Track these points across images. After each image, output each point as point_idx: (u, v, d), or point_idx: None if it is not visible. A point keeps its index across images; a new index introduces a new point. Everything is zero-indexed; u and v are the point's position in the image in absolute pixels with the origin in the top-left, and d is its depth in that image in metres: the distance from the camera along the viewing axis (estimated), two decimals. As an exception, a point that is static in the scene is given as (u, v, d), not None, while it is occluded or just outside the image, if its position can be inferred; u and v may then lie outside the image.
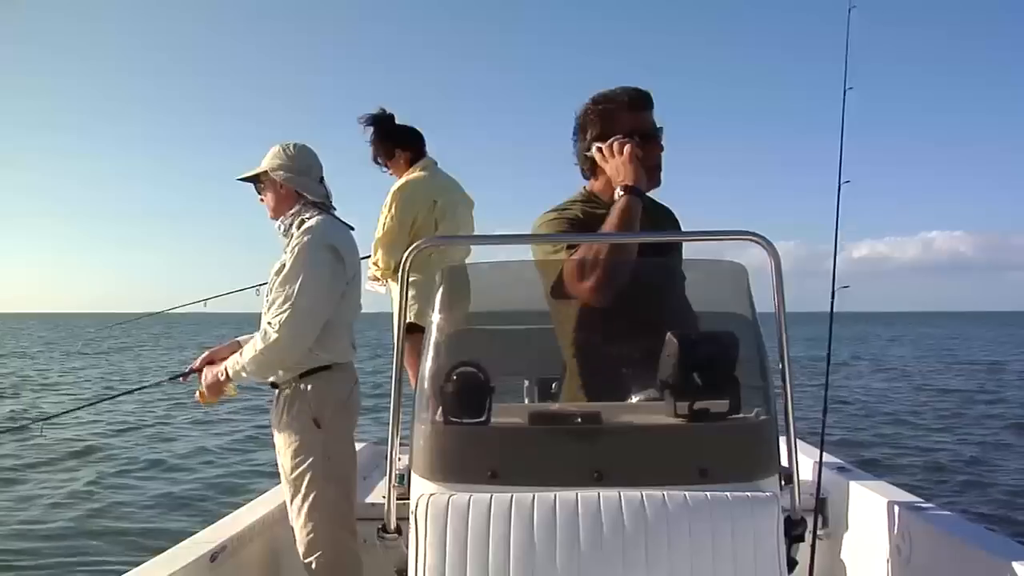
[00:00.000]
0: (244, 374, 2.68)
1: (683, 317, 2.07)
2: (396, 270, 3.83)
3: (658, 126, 2.22)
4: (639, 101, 2.21)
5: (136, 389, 3.48)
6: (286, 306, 2.57)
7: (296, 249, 2.62)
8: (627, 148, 2.12)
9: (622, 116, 2.19)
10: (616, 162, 2.13)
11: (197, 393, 2.85)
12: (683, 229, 2.41)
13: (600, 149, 2.19)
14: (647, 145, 2.18)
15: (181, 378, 2.99)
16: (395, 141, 3.92)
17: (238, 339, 3.00)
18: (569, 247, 2.10)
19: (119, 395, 3.74)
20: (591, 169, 2.28)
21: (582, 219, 2.18)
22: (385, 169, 3.98)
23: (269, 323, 2.59)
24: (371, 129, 3.93)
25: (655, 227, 2.24)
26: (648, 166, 2.17)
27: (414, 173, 3.87)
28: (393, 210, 3.78)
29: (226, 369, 2.71)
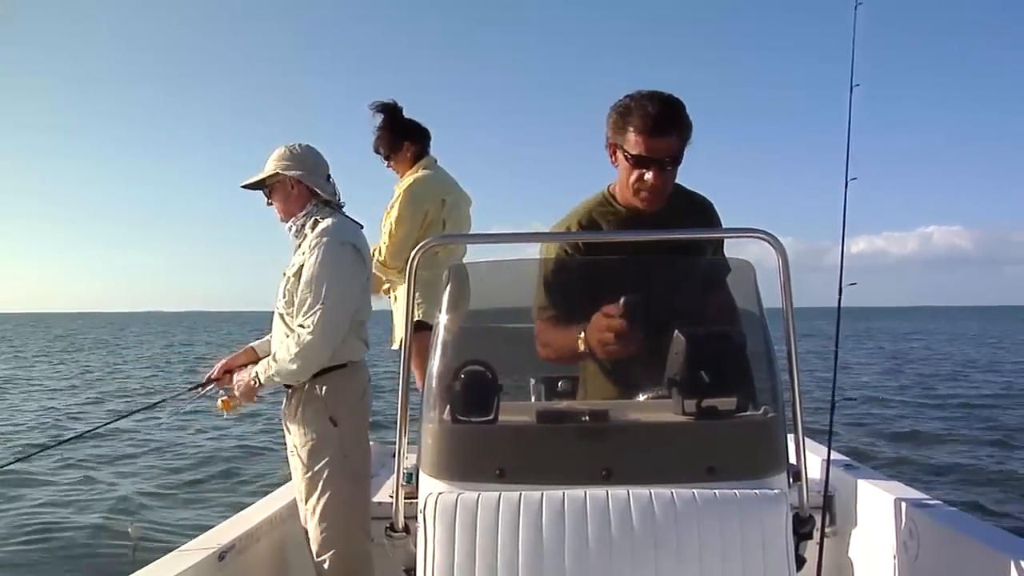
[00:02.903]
0: (277, 379, 2.66)
1: (692, 315, 2.07)
2: (403, 270, 3.79)
3: (675, 154, 2.09)
4: (649, 127, 2.05)
5: (157, 403, 3.46)
6: (317, 307, 2.58)
7: (316, 249, 2.62)
8: (606, 336, 1.88)
9: (629, 136, 2.08)
10: (594, 327, 1.91)
11: (220, 401, 2.85)
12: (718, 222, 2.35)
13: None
14: (654, 170, 2.07)
15: (200, 388, 2.99)
16: (404, 134, 3.86)
17: (252, 345, 3.00)
18: (546, 289, 2.11)
19: (138, 411, 3.66)
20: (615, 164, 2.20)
21: (584, 229, 2.16)
22: (385, 160, 3.88)
23: (302, 325, 2.60)
24: (380, 117, 3.84)
25: (679, 225, 2.17)
26: (641, 190, 2.10)
27: (421, 171, 3.82)
28: (405, 209, 3.72)
29: (257, 375, 2.71)
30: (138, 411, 3.72)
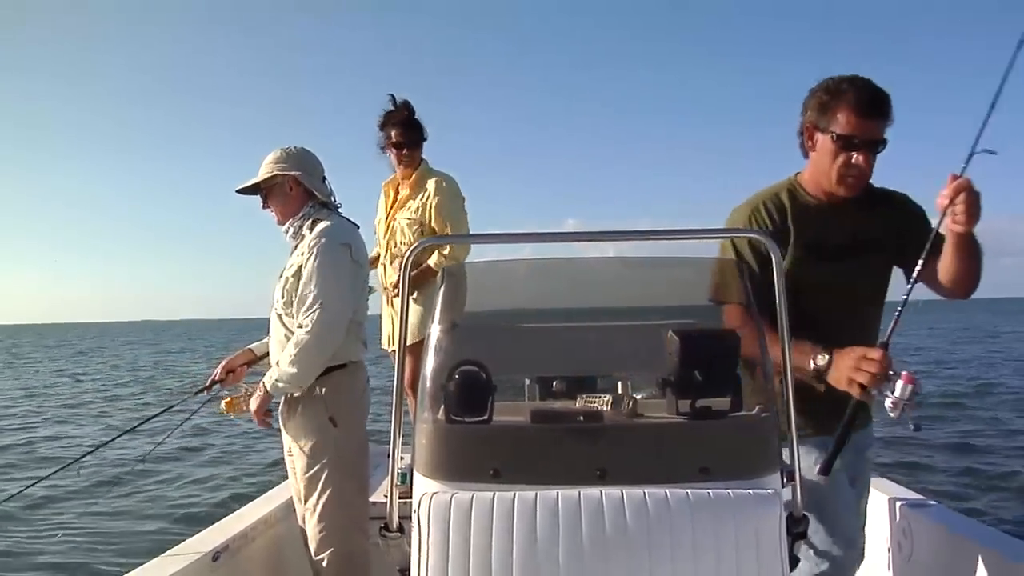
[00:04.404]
0: (282, 385, 2.64)
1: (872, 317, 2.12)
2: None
3: (884, 138, 2.02)
4: (864, 106, 1.98)
5: (165, 410, 3.46)
6: (316, 306, 2.57)
7: (315, 250, 2.62)
8: (856, 353, 1.90)
9: (839, 116, 2.00)
10: (845, 366, 1.91)
11: (223, 403, 2.85)
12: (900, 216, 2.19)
13: None
14: (859, 152, 2.00)
15: (205, 391, 2.99)
16: (422, 134, 3.91)
17: (250, 347, 3.00)
18: (736, 274, 2.02)
19: (150, 418, 3.59)
20: (804, 152, 2.14)
21: (774, 218, 2.07)
22: (401, 149, 3.86)
23: (301, 325, 2.59)
24: (405, 110, 3.87)
25: (879, 219, 2.12)
26: (848, 175, 2.03)
27: (442, 175, 3.87)
28: (455, 204, 3.79)
29: (264, 386, 2.69)
30: (146, 420, 3.67)
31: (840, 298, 2.06)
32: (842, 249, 2.08)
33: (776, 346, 1.83)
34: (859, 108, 1.97)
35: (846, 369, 1.89)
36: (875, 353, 1.86)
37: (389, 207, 3.95)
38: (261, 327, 2.99)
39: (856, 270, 2.10)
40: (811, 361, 1.93)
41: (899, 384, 1.82)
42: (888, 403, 1.83)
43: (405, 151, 3.86)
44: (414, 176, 3.86)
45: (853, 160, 2.00)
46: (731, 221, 2.12)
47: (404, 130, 3.86)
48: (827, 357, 1.92)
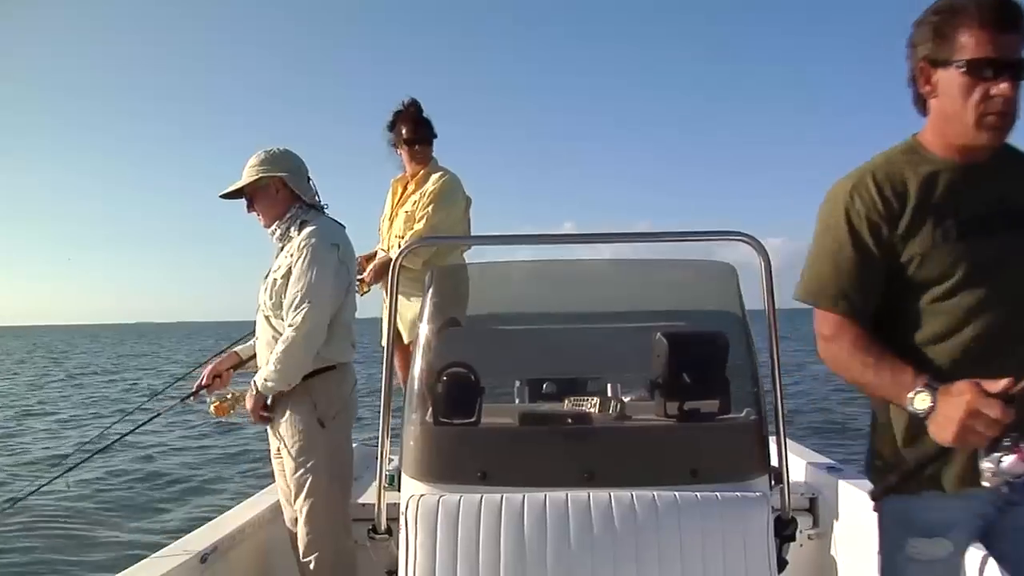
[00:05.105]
0: (271, 384, 2.64)
1: None
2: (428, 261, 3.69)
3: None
4: (993, 14, 1.49)
5: (154, 417, 3.41)
6: (304, 304, 2.58)
7: (305, 251, 2.62)
8: (966, 403, 1.39)
9: (963, 37, 1.51)
10: (952, 418, 1.40)
11: (212, 407, 2.84)
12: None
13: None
14: (998, 79, 1.50)
15: (192, 397, 2.98)
16: (431, 132, 3.93)
17: (235, 349, 2.99)
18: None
19: (137, 428, 3.55)
20: (922, 104, 1.64)
21: (885, 193, 1.57)
22: (413, 145, 3.87)
23: (290, 324, 2.60)
24: (414, 107, 3.89)
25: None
26: (988, 111, 1.52)
27: (445, 170, 3.89)
28: (442, 204, 3.77)
29: (255, 385, 2.68)
30: (135, 429, 3.63)
31: (988, 288, 1.56)
32: (988, 221, 1.58)
33: (878, 365, 1.50)
34: (988, 19, 1.50)
35: (951, 423, 1.40)
36: (994, 409, 1.37)
37: (395, 203, 3.98)
38: (244, 329, 2.97)
39: (1012, 248, 1.58)
40: (907, 400, 1.47)
41: (1009, 459, 1.39)
42: (987, 467, 1.41)
43: (417, 147, 3.89)
44: (422, 173, 3.89)
45: (992, 91, 1.50)
46: (829, 196, 1.64)
47: (415, 126, 3.88)
48: (929, 401, 1.44)
